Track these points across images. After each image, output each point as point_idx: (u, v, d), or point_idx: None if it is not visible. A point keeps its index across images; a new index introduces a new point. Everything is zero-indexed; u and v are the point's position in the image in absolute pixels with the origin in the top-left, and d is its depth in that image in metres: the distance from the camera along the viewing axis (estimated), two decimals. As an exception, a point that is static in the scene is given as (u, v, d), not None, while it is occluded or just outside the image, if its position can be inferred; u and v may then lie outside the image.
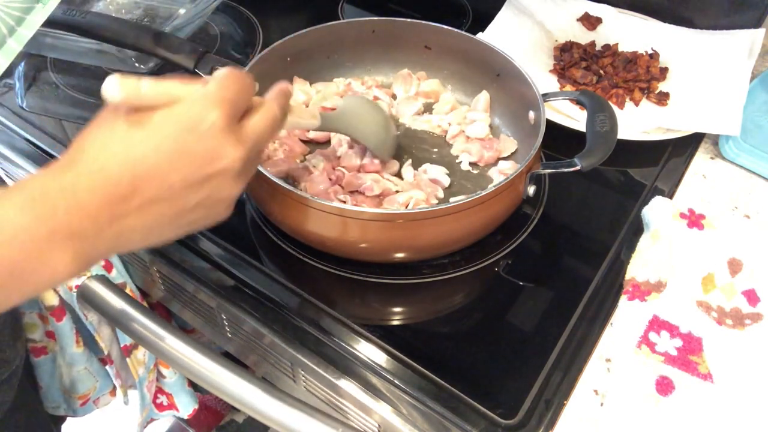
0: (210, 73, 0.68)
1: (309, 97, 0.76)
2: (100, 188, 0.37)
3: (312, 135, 0.72)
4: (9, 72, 0.86)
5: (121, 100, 0.39)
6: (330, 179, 0.66)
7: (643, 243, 0.63)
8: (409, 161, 0.70)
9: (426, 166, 0.69)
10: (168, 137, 0.38)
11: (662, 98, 0.81)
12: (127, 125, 0.39)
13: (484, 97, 0.75)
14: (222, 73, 0.42)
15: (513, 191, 0.60)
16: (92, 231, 0.36)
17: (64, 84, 0.84)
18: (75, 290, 0.65)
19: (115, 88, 0.38)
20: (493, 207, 0.59)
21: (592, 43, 0.90)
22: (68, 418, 0.86)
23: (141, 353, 0.78)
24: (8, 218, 0.34)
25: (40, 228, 0.35)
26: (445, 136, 0.74)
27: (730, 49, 0.84)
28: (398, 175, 0.69)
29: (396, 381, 0.54)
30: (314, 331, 0.58)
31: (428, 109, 0.78)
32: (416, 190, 0.65)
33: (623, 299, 0.59)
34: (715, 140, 0.78)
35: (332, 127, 0.65)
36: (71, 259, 0.36)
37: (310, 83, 0.77)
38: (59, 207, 0.35)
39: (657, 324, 0.56)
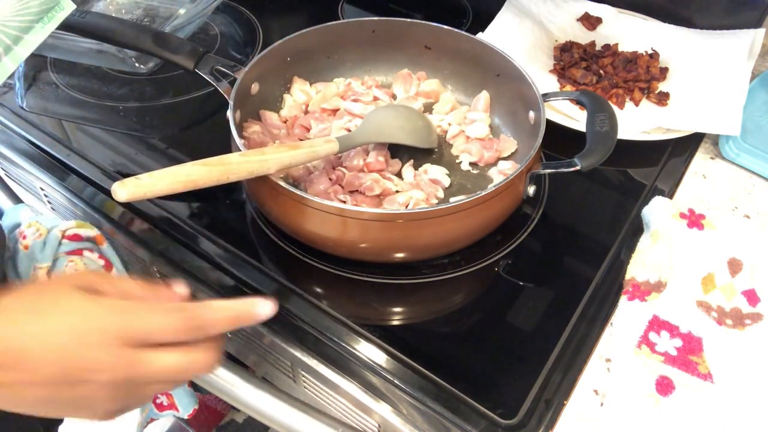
0: (210, 73, 0.68)
1: (309, 97, 0.76)
2: None
3: (312, 136, 0.72)
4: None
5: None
6: (330, 179, 0.66)
7: (643, 243, 0.63)
8: (410, 162, 0.70)
9: (426, 166, 0.69)
10: (70, 332, 0.38)
11: (662, 98, 0.81)
12: (54, 301, 0.39)
13: (484, 97, 0.75)
14: (171, 307, 0.40)
15: (513, 191, 0.60)
16: None
17: (64, 84, 0.84)
18: (75, 290, 0.65)
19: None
20: (493, 207, 0.59)
21: (592, 43, 0.90)
22: (66, 421, 0.86)
23: (141, 353, 0.78)
24: None
25: None
26: (445, 136, 0.74)
27: (730, 49, 0.84)
28: (399, 175, 0.69)
29: (396, 381, 0.54)
30: (314, 331, 0.58)
31: (428, 109, 0.78)
32: (416, 190, 0.65)
33: (623, 299, 0.59)
34: (715, 140, 0.78)
35: (359, 142, 0.65)
36: None
37: (310, 83, 0.78)
38: None
39: (657, 324, 0.56)
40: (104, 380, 0.39)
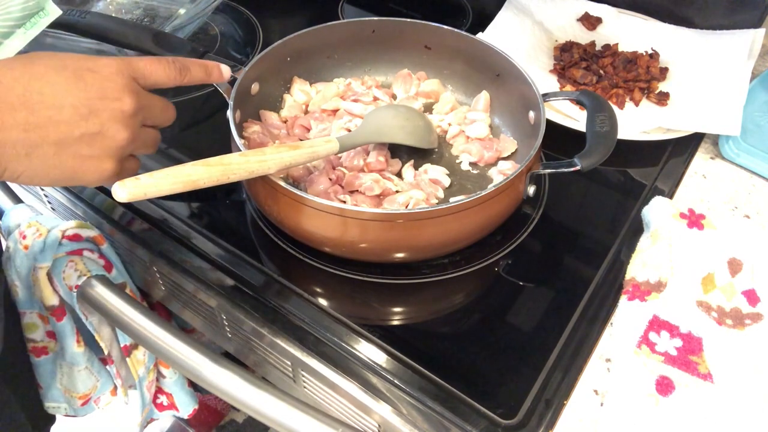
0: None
1: (309, 97, 0.76)
2: None
3: (312, 137, 0.72)
4: None
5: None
6: (330, 179, 0.66)
7: (643, 243, 0.63)
8: (410, 162, 0.70)
9: (426, 166, 0.69)
10: (69, 67, 0.43)
11: (662, 98, 0.81)
12: (48, 55, 0.43)
13: (484, 97, 0.75)
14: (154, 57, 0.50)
15: (513, 191, 0.60)
16: None
17: (64, 84, 0.84)
18: (75, 290, 0.65)
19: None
20: (493, 207, 0.59)
21: (592, 43, 0.90)
22: (65, 420, 0.86)
23: (141, 353, 0.78)
24: None
25: None
26: (445, 136, 0.74)
27: (730, 49, 0.84)
28: (399, 175, 0.69)
29: (396, 381, 0.54)
30: (314, 331, 0.58)
31: (428, 109, 0.78)
32: (416, 190, 0.65)
33: (623, 299, 0.59)
34: (715, 140, 0.78)
35: (359, 142, 0.65)
36: None
37: (310, 83, 0.78)
38: None
39: (657, 324, 0.56)
40: (117, 108, 0.45)
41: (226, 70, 0.59)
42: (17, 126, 0.40)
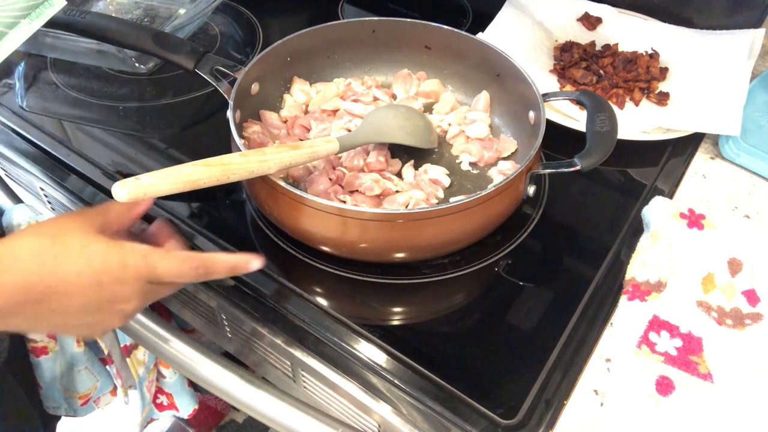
0: (210, 73, 0.68)
1: (309, 97, 0.76)
2: (14, 285, 0.42)
3: (312, 137, 0.72)
4: (9, 72, 0.86)
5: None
6: (330, 179, 0.66)
7: (643, 243, 0.63)
8: (410, 162, 0.70)
9: (426, 166, 0.69)
10: (93, 270, 0.44)
11: (662, 98, 0.81)
12: (74, 240, 0.45)
13: (484, 97, 0.75)
14: (183, 256, 0.50)
15: (513, 191, 0.60)
16: None
17: (64, 84, 0.84)
18: (75, 290, 0.65)
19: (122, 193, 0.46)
20: (493, 207, 0.59)
21: (592, 43, 0.90)
22: (67, 419, 0.86)
23: (141, 353, 0.78)
24: None
25: None
26: (445, 136, 0.74)
27: (730, 49, 0.84)
28: (399, 175, 0.69)
29: (396, 381, 0.54)
30: (314, 331, 0.58)
31: (428, 109, 0.78)
32: (416, 190, 0.65)
33: (623, 299, 0.59)
34: (715, 140, 0.78)
35: (359, 142, 0.65)
36: None
37: (310, 83, 0.77)
38: None
39: (657, 324, 0.56)
40: (127, 309, 0.47)
41: (255, 264, 0.53)
42: (25, 314, 0.43)
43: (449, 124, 0.74)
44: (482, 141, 0.72)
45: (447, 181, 0.68)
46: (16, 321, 0.44)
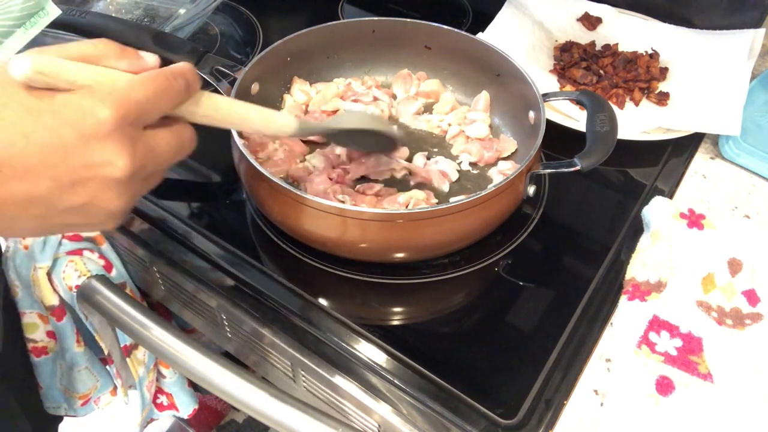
0: (210, 73, 0.68)
1: (309, 97, 0.76)
2: None
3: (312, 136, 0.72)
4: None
5: (26, 80, 0.35)
6: (330, 179, 0.66)
7: (643, 243, 0.63)
8: (424, 153, 0.70)
9: (438, 157, 0.70)
10: (44, 127, 0.34)
11: (662, 98, 0.81)
12: (8, 97, 0.34)
13: (484, 97, 0.75)
14: (147, 73, 0.38)
15: (513, 191, 0.60)
16: None
17: (64, 84, 0.84)
18: (75, 290, 0.65)
19: (24, 65, 0.34)
20: (493, 207, 0.59)
21: (592, 43, 0.90)
22: (66, 420, 0.86)
23: (141, 353, 0.78)
24: None
25: None
26: (445, 136, 0.74)
27: (730, 49, 0.84)
28: (409, 160, 0.70)
29: (396, 381, 0.54)
30: (314, 331, 0.58)
31: (428, 109, 0.78)
32: (416, 190, 0.65)
33: (623, 299, 0.59)
34: (715, 140, 0.78)
35: (319, 129, 0.61)
36: None
37: (310, 83, 0.77)
38: None
39: (657, 324, 0.56)
40: (108, 175, 0.36)
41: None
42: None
43: (449, 124, 0.74)
44: (482, 141, 0.72)
45: (455, 176, 0.68)
46: None
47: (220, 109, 0.45)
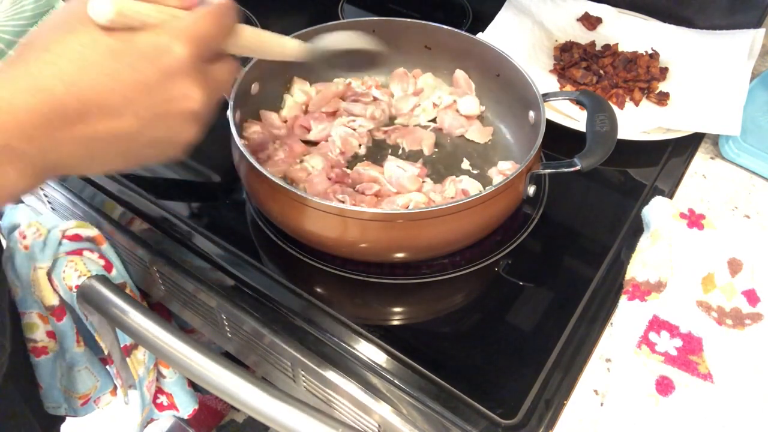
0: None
1: (309, 97, 0.76)
2: (40, 109, 0.34)
3: (312, 137, 0.72)
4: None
5: (107, 22, 0.36)
6: (329, 179, 0.66)
7: (643, 243, 0.63)
8: (452, 177, 0.68)
9: (463, 177, 0.68)
10: (128, 66, 0.36)
11: (662, 98, 0.81)
12: (90, 39, 0.36)
13: (461, 75, 0.76)
14: (205, 9, 0.40)
15: (513, 191, 0.60)
16: (32, 152, 0.34)
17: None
18: (75, 290, 0.65)
19: (106, 8, 0.35)
20: (493, 207, 0.59)
21: (592, 43, 0.90)
22: (67, 420, 0.86)
23: (141, 353, 0.78)
24: None
25: None
26: (442, 130, 0.74)
27: (730, 49, 0.84)
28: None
29: (396, 381, 0.54)
30: (314, 331, 0.58)
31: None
32: (416, 192, 0.65)
33: (623, 299, 0.59)
34: (715, 140, 0.78)
35: (325, 49, 0.59)
36: (17, 176, 0.34)
37: (310, 83, 0.77)
38: None
39: (657, 324, 0.56)
40: (186, 108, 0.39)
41: None
42: (74, 141, 0.35)
43: (440, 98, 0.76)
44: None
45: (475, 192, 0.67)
46: (67, 149, 0.35)
47: (249, 38, 0.46)
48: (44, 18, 0.52)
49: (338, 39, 0.62)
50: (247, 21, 0.96)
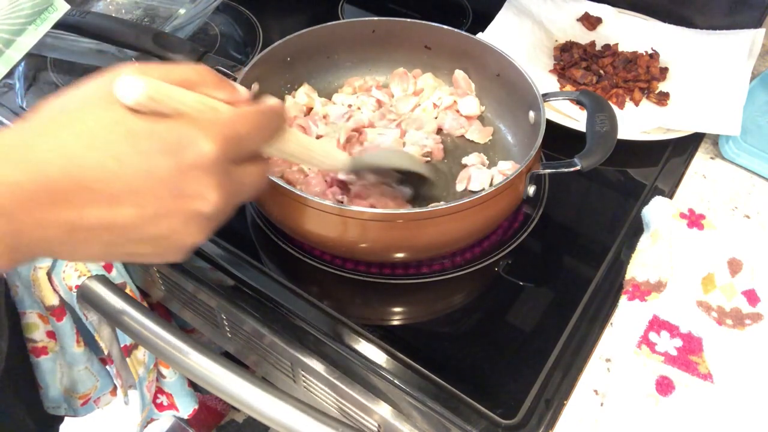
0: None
1: (311, 101, 0.76)
2: (26, 185, 0.29)
3: (314, 135, 0.72)
4: (9, 72, 0.86)
5: (135, 104, 0.32)
6: (325, 181, 0.66)
7: (643, 243, 0.63)
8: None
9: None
10: (141, 152, 0.31)
11: (662, 98, 0.81)
12: (109, 118, 0.32)
13: (460, 76, 0.76)
14: (250, 107, 0.37)
15: (513, 191, 0.60)
16: (6, 230, 0.29)
17: (64, 84, 0.84)
18: (75, 290, 0.65)
19: (137, 90, 0.31)
20: (493, 207, 0.59)
21: (592, 43, 0.90)
22: (66, 420, 0.86)
23: (141, 353, 0.78)
24: None
25: None
26: (442, 128, 0.74)
27: (730, 49, 0.84)
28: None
29: (396, 381, 0.54)
30: (314, 331, 0.58)
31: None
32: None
33: (623, 299, 0.59)
34: (715, 140, 0.78)
35: (368, 163, 0.60)
36: None
37: (310, 84, 0.77)
38: None
39: (657, 324, 0.56)
40: (196, 209, 0.33)
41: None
42: (58, 225, 0.30)
43: (440, 98, 0.75)
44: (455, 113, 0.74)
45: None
46: (47, 233, 0.30)
47: (296, 146, 0.44)
48: (42, 16, 0.51)
49: (388, 156, 0.62)
50: (247, 22, 0.97)
